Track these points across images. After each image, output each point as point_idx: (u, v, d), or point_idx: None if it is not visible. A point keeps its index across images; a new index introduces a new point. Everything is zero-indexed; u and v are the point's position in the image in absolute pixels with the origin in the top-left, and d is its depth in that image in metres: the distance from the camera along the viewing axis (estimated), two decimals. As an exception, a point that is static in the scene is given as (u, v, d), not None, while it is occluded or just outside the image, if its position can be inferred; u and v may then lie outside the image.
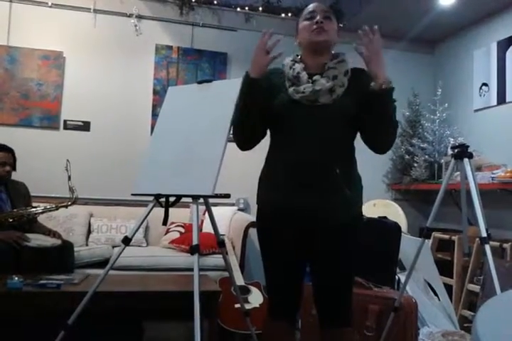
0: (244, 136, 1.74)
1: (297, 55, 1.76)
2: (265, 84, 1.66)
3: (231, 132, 1.89)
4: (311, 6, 1.72)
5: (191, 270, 1.79)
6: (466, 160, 2.12)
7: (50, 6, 4.07)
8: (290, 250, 1.67)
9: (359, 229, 1.69)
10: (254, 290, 3.12)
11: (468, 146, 2.17)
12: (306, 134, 1.62)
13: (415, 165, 4.43)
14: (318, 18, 1.65)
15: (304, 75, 1.66)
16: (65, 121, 4.08)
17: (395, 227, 2.84)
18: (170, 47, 4.36)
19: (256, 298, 3.04)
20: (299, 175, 1.61)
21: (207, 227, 3.62)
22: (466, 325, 3.02)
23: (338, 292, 1.67)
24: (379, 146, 1.69)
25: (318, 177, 1.60)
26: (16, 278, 2.35)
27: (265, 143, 1.77)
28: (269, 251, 1.73)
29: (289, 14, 4.47)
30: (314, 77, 1.64)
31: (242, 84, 1.73)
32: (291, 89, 1.65)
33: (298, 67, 1.68)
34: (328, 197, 1.61)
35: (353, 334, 1.97)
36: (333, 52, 1.74)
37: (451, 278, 3.44)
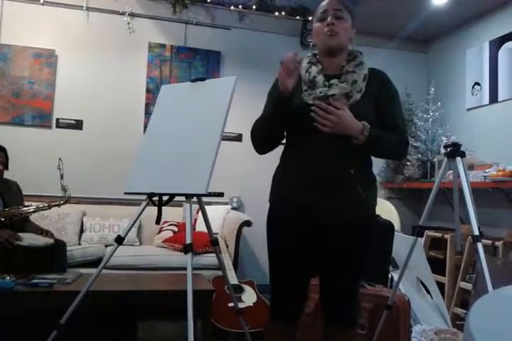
0: (267, 143, 1.72)
1: (314, 55, 1.73)
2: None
3: (224, 131, 1.89)
4: (323, 4, 1.67)
5: (184, 269, 1.79)
6: (458, 158, 2.13)
7: (42, 4, 4.04)
8: (299, 249, 1.64)
9: (372, 229, 1.68)
10: (247, 288, 3.12)
11: (460, 145, 2.18)
12: (321, 136, 1.58)
13: (408, 163, 4.45)
14: (329, 19, 1.62)
15: (320, 79, 1.63)
16: (57, 120, 4.06)
17: (388, 226, 2.84)
18: (163, 46, 4.34)
19: (249, 297, 3.04)
20: (312, 176, 1.60)
21: (200, 226, 3.62)
22: (458, 322, 3.04)
23: (348, 293, 1.66)
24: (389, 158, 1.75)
25: (333, 178, 1.59)
26: (8, 278, 2.33)
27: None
28: (277, 249, 1.68)
29: (283, 13, 4.46)
30: (331, 81, 1.62)
31: (276, 101, 1.63)
32: (305, 93, 1.63)
33: (314, 70, 1.66)
34: (342, 197, 1.59)
35: (358, 337, 1.98)
36: (350, 48, 1.70)
37: (444, 276, 3.46)
